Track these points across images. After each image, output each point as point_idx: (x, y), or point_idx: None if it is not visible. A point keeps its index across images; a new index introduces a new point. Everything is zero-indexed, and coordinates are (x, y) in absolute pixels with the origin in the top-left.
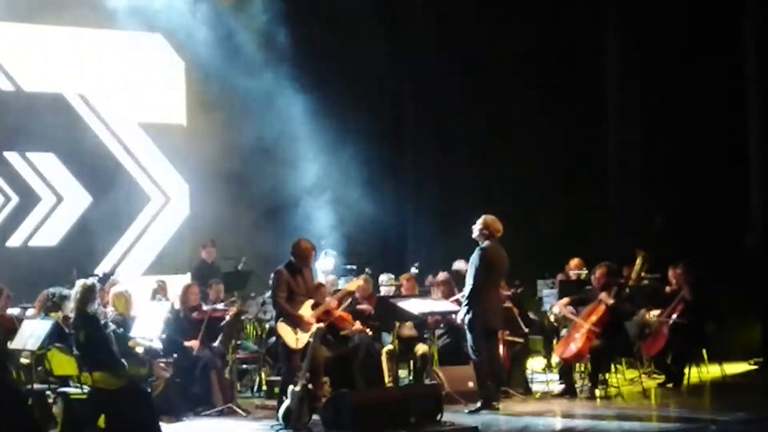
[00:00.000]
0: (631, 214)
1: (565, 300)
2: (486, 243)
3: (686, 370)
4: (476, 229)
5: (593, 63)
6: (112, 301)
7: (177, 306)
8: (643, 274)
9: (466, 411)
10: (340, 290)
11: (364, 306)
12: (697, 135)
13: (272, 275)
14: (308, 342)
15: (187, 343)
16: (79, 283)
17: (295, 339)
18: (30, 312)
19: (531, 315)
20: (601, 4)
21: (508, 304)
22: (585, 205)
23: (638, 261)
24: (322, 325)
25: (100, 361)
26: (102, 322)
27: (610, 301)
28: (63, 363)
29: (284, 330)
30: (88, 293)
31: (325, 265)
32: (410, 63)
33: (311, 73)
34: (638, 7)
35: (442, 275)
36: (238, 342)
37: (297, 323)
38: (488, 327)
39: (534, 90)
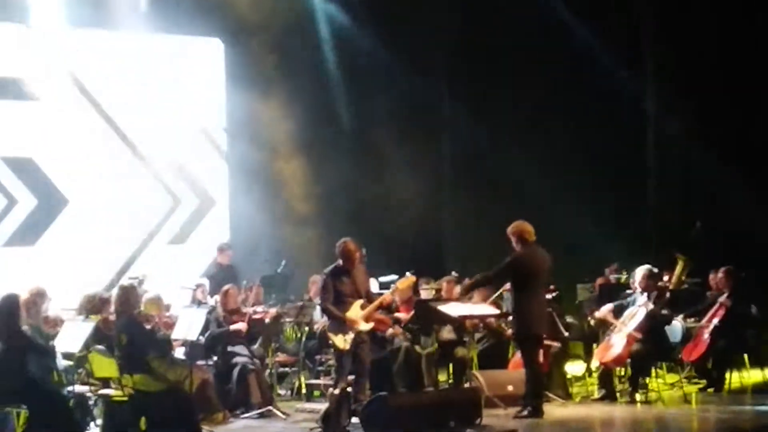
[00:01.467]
0: (670, 218)
1: (610, 306)
2: (518, 249)
3: (727, 375)
4: (509, 235)
5: (631, 63)
6: (145, 306)
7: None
8: (683, 278)
9: (512, 416)
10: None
11: (401, 315)
12: (735, 137)
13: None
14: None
15: (233, 327)
16: (120, 285)
17: (342, 340)
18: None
19: (570, 319)
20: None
21: (547, 308)
22: (625, 209)
23: (679, 265)
24: (368, 326)
25: (140, 364)
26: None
27: (651, 306)
28: (104, 365)
29: (332, 335)
30: (129, 296)
31: None
32: (445, 65)
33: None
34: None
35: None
36: (278, 344)
37: (343, 325)
38: (531, 333)
39: (572, 92)
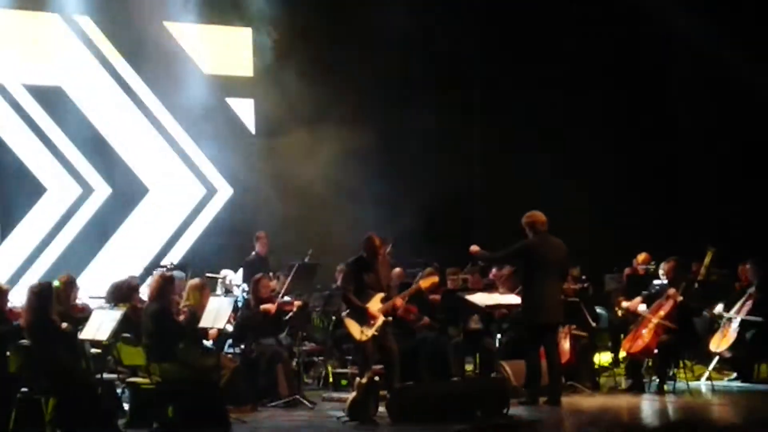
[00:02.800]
0: (700, 208)
1: (638, 299)
2: (529, 237)
3: (756, 366)
4: (523, 225)
5: (658, 54)
6: (187, 293)
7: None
8: (712, 269)
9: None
10: (406, 282)
11: (435, 296)
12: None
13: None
14: (374, 335)
15: (263, 306)
16: (156, 273)
17: (359, 331)
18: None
19: (598, 309)
20: None
21: (574, 299)
22: (653, 199)
23: (707, 256)
24: (389, 318)
25: (168, 352)
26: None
27: (680, 297)
28: (132, 353)
29: (350, 323)
30: (164, 284)
31: None
32: (478, 58)
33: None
34: None
35: (507, 269)
36: (305, 333)
37: (363, 316)
38: (538, 321)
39: (610, 85)
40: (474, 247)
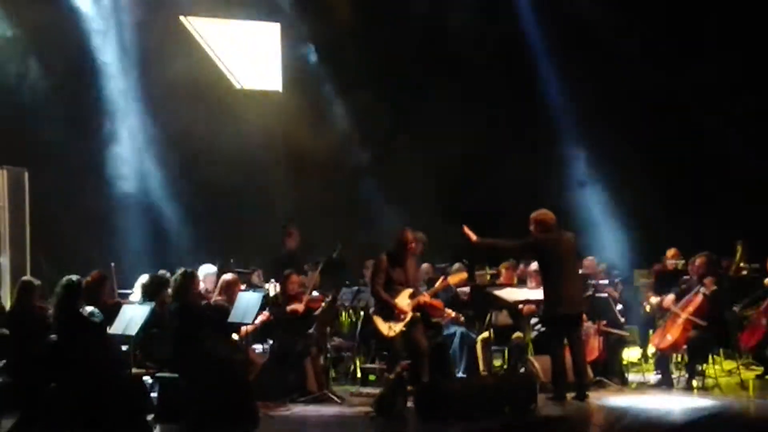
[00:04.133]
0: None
1: (672, 297)
2: (537, 235)
3: None
4: (531, 221)
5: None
6: (220, 287)
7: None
8: (742, 264)
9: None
10: (433, 278)
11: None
12: None
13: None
14: (402, 330)
15: (290, 307)
16: (180, 270)
17: (387, 327)
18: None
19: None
20: None
21: (603, 294)
22: (680, 195)
23: (738, 251)
24: (417, 314)
25: (195, 349)
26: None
27: (709, 292)
28: (160, 349)
29: (377, 319)
30: (187, 281)
31: None
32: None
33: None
34: None
35: (535, 264)
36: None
37: (391, 311)
38: (558, 313)
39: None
40: (471, 235)
